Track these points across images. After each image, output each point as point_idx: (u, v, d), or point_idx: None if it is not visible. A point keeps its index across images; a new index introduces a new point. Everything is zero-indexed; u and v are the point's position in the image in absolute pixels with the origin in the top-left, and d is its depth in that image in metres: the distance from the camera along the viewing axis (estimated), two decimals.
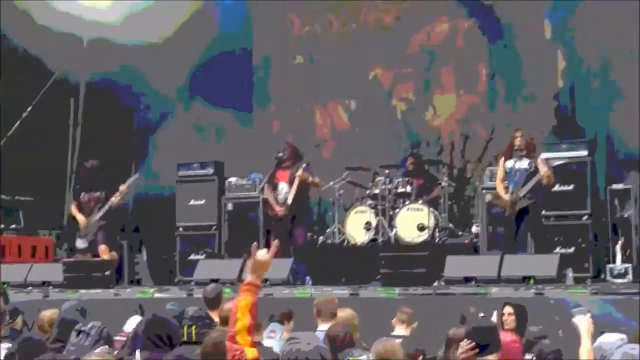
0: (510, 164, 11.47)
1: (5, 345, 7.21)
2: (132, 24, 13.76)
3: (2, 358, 6.93)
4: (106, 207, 12.92)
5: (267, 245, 13.47)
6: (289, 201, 12.60)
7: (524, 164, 11.39)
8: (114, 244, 13.51)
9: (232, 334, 4.75)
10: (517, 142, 11.45)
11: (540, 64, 15.18)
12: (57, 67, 14.97)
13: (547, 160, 11.44)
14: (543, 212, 11.85)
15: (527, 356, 7.46)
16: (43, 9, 13.88)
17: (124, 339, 8.65)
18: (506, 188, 11.43)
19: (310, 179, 12.79)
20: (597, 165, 12.24)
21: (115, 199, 12.85)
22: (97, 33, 14.28)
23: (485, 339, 5.76)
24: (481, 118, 15.63)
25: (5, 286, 11.76)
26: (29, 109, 15.07)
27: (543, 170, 11.23)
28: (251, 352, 4.71)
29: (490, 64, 15.61)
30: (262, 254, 4.85)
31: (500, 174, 11.63)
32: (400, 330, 8.25)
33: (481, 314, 7.81)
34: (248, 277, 4.84)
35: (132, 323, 9.03)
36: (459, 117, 15.78)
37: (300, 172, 12.61)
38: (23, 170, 15.23)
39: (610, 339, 6.39)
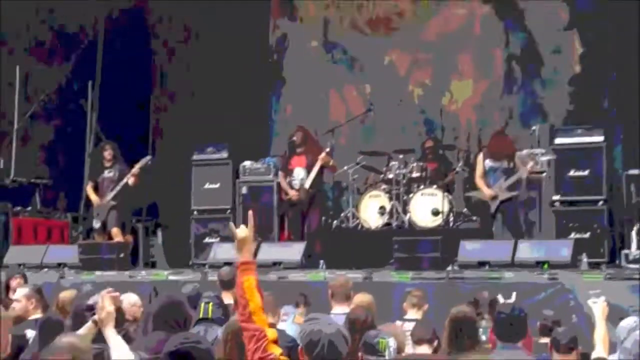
0: (489, 162, 11.81)
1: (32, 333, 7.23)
2: None
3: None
4: (118, 188, 13.09)
5: (282, 229, 13.58)
6: (307, 185, 12.62)
7: (503, 163, 11.71)
8: (128, 226, 13.62)
9: (246, 316, 4.71)
10: (506, 145, 11.87)
11: (557, 49, 15.14)
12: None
13: (530, 156, 11.68)
14: (558, 197, 11.89)
15: (542, 339, 7.48)
16: None
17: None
18: (487, 184, 11.74)
19: (332, 162, 12.83)
20: (614, 150, 12.19)
21: (130, 177, 13.01)
22: None
23: (514, 327, 5.77)
24: (498, 103, 15.59)
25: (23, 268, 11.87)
26: (46, 91, 15.15)
27: (528, 165, 11.48)
28: (271, 332, 4.66)
29: (508, 50, 15.56)
30: (240, 230, 4.85)
31: (479, 170, 11.93)
32: (412, 313, 8.27)
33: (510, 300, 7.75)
34: (239, 257, 4.82)
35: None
36: (475, 103, 15.74)
37: (323, 154, 12.61)
38: (40, 153, 15.31)
39: (625, 323, 6.38)
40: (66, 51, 15.59)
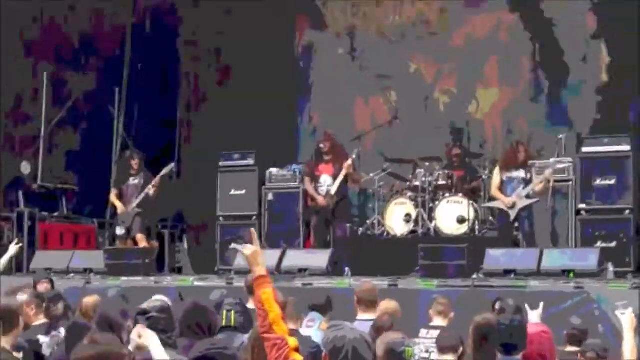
0: (507, 174, 11.98)
1: (45, 339, 7.27)
2: None
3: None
4: (142, 195, 13.15)
5: (307, 236, 13.54)
6: (333, 192, 12.63)
7: (520, 173, 11.90)
8: (153, 232, 13.66)
9: (267, 327, 4.78)
10: (521, 157, 11.96)
11: (584, 59, 15.10)
12: None
13: (548, 166, 11.81)
14: (584, 205, 11.86)
15: (569, 348, 7.44)
16: None
17: None
18: (504, 194, 11.91)
19: (356, 173, 12.84)
20: None
21: (151, 189, 13.07)
22: None
23: (514, 339, 5.73)
24: (524, 112, 15.57)
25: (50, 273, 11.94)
26: (73, 97, 15.23)
27: (547, 172, 11.62)
28: (292, 340, 4.72)
29: (534, 58, 15.53)
30: (247, 249, 4.96)
31: (496, 181, 12.08)
32: (438, 321, 8.25)
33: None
34: (254, 271, 4.91)
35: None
36: (502, 111, 15.72)
37: (349, 162, 12.63)
38: (67, 158, 15.39)
39: None
40: (94, 57, 15.67)
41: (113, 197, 13.63)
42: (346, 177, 12.80)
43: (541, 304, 7.29)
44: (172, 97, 16.59)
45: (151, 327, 5.59)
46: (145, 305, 5.93)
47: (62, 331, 7.17)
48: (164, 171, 13.24)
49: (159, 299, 6.24)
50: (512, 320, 5.95)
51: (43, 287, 10.14)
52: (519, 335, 5.82)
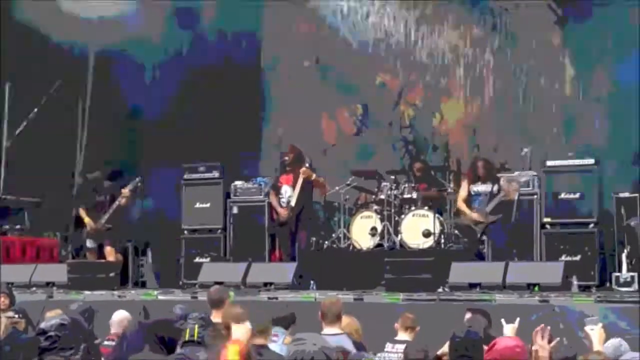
0: (474, 187, 12.02)
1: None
2: None
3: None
4: (110, 211, 13.04)
5: (272, 250, 13.50)
6: (292, 202, 12.62)
7: (487, 187, 11.92)
8: (119, 246, 13.54)
9: None
10: (480, 171, 12.02)
11: (549, 71, 15.18)
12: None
13: (512, 178, 11.88)
14: (549, 219, 11.91)
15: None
16: None
17: (113, 342, 8.67)
18: (470, 207, 11.92)
19: (314, 176, 12.76)
20: (604, 173, 12.20)
21: (119, 203, 12.97)
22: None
23: (469, 351, 5.69)
24: (489, 125, 15.62)
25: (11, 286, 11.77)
26: (35, 109, 15.06)
27: (508, 186, 11.65)
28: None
29: (499, 70, 15.60)
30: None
31: (463, 194, 12.12)
32: (404, 335, 8.23)
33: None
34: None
35: (118, 323, 9.02)
36: (466, 124, 15.77)
37: (303, 169, 12.60)
38: (29, 171, 15.21)
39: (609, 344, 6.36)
40: (57, 68, 15.49)
41: (82, 213, 13.47)
42: (311, 187, 12.78)
43: (517, 319, 7.28)
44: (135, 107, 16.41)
45: (50, 347, 5.49)
46: (42, 325, 5.78)
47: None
48: (132, 185, 13.14)
49: (57, 316, 6.10)
50: (468, 332, 5.92)
51: (0, 300, 10.00)
52: (474, 349, 5.77)
